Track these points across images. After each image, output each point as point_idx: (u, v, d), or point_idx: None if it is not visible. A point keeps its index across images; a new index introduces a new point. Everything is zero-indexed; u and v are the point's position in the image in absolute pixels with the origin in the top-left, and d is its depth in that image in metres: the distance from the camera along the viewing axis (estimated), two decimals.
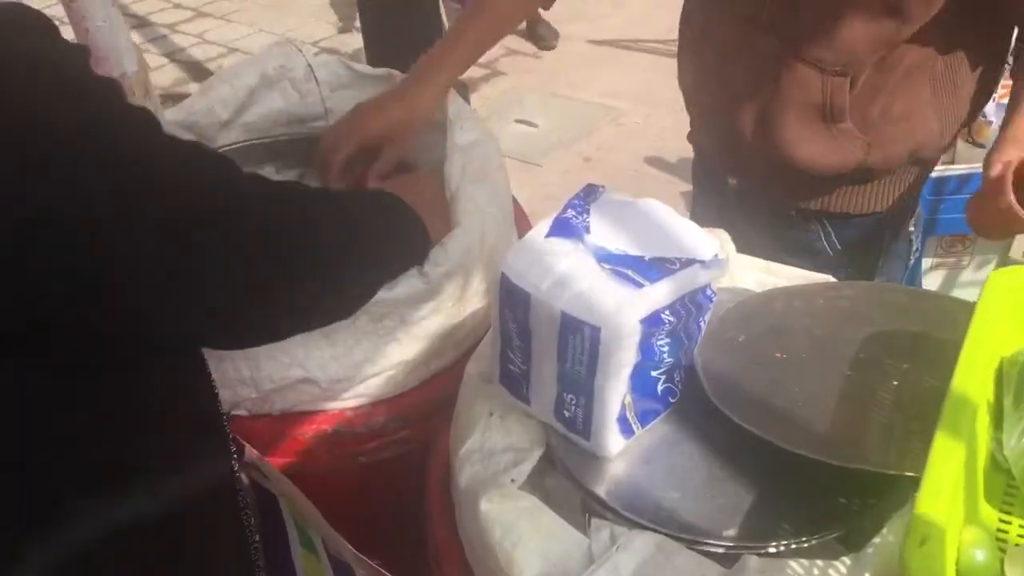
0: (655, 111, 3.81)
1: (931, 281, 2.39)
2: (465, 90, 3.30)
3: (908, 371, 0.96)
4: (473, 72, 4.37)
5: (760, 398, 0.95)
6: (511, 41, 4.42)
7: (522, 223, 1.42)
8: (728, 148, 1.38)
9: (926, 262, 2.37)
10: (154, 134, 0.69)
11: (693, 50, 1.40)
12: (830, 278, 1.16)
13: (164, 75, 4.57)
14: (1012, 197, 1.08)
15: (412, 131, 1.31)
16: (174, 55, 4.80)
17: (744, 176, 1.41)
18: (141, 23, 5.09)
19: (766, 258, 1.18)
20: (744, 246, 1.19)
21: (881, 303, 1.08)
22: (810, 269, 1.29)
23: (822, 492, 0.89)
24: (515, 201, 1.43)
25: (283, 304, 0.83)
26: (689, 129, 1.53)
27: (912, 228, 1.43)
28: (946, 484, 0.73)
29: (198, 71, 4.59)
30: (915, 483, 0.83)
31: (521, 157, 3.63)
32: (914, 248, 1.46)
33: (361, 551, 0.99)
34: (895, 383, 0.95)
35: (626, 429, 0.95)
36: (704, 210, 1.55)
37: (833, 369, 0.97)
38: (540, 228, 0.96)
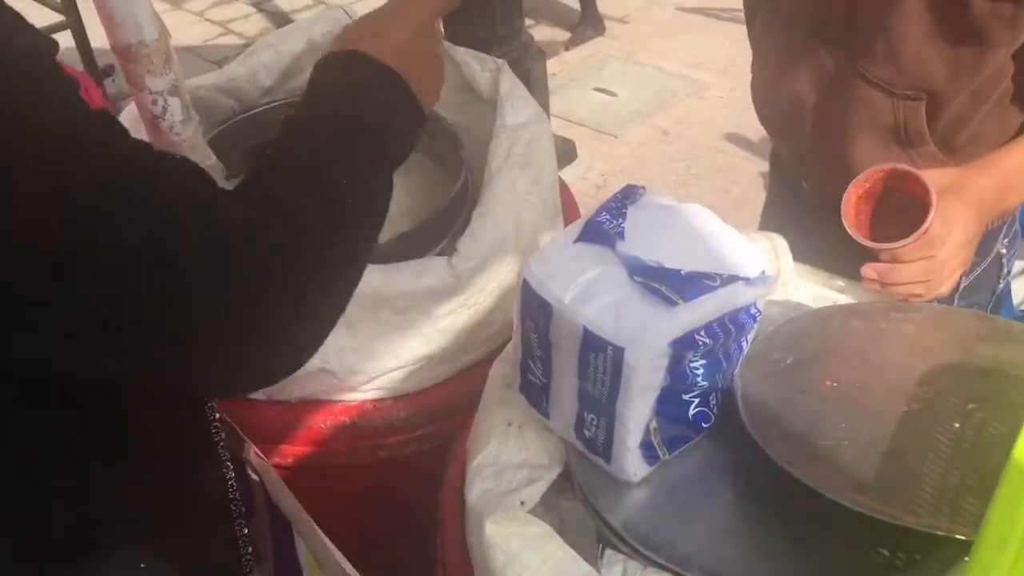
0: (740, 85, 3.63)
1: (1019, 287, 2.23)
2: (543, 55, 3.20)
3: (973, 413, 0.85)
4: (554, 35, 4.26)
5: (802, 433, 0.86)
6: (602, 5, 4.27)
7: (572, 212, 1.34)
8: (798, 155, 1.27)
9: (1018, 264, 2.21)
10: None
11: (758, 49, 1.29)
12: (896, 298, 1.05)
13: (251, 24, 4.58)
14: (850, 222, 1.01)
15: None
16: (260, 4, 4.81)
17: (818, 187, 1.28)
18: None
19: (836, 273, 1.07)
20: (815, 257, 1.08)
21: (952, 331, 0.97)
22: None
23: (862, 542, 0.80)
24: (565, 188, 1.34)
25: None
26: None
27: (1004, 251, 1.26)
28: (1003, 561, 0.64)
29: (283, 21, 4.58)
30: (966, 545, 0.75)
31: (597, 127, 3.52)
32: (1004, 271, 1.30)
33: (373, 553, 0.94)
34: (956, 426, 0.85)
35: (650, 455, 0.87)
36: (778, 207, 1.43)
37: (888, 404, 0.88)
38: (569, 232, 0.88)
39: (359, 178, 0.72)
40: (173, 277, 0.57)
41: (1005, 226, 1.24)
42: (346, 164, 0.72)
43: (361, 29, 0.82)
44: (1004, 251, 1.26)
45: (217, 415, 0.80)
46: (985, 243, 1.20)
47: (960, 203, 1.02)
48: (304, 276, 0.65)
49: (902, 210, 1.02)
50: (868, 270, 1.02)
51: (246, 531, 0.83)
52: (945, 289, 1.04)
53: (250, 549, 0.83)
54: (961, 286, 1.23)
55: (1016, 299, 2.26)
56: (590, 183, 3.26)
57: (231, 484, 0.81)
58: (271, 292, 0.62)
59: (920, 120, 1.10)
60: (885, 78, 1.09)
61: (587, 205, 1.51)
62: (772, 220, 1.43)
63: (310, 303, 0.65)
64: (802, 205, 1.33)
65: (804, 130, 1.19)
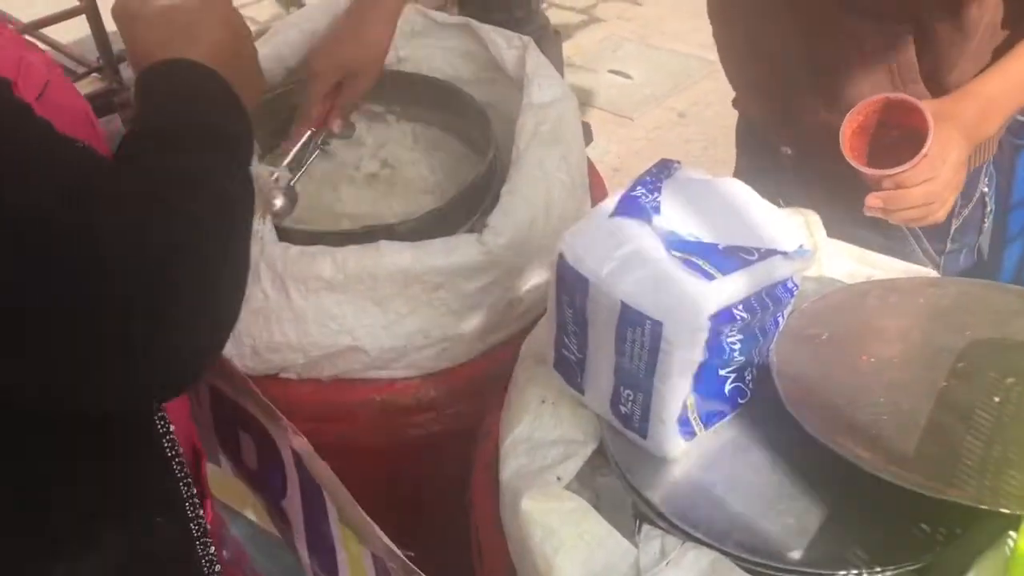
0: None
1: None
2: (558, 37, 3.18)
3: (1013, 387, 0.85)
4: (569, 18, 4.23)
5: (840, 407, 0.85)
6: None
7: (598, 191, 1.33)
8: (780, 116, 1.27)
9: None
10: None
11: (724, 18, 1.32)
12: (932, 272, 1.04)
13: (263, 9, 4.57)
14: (847, 150, 1.04)
15: (370, 67, 1.25)
16: None
17: (800, 145, 1.29)
18: None
19: (828, 233, 1.07)
20: None
21: (989, 305, 0.96)
22: (877, 239, 1.21)
23: (901, 517, 0.79)
24: (592, 168, 1.34)
25: None
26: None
27: (986, 189, 1.31)
28: None
29: (296, 6, 4.57)
30: (1010, 519, 0.74)
31: (612, 110, 3.50)
32: (988, 210, 1.34)
33: (405, 533, 0.94)
34: (996, 400, 0.84)
35: (687, 431, 0.86)
36: (756, 184, 1.43)
37: (927, 379, 0.87)
38: (605, 206, 0.87)
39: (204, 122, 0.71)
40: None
41: (985, 166, 1.28)
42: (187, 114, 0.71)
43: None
44: (986, 190, 1.31)
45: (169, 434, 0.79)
46: (969, 184, 1.23)
47: (949, 127, 1.06)
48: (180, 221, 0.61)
49: (892, 145, 1.06)
50: (873, 199, 1.05)
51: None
52: (943, 213, 1.08)
53: (211, 549, 0.82)
54: (952, 228, 1.26)
55: None
56: (607, 165, 3.25)
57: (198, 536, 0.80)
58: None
59: (909, 52, 1.12)
60: (871, 7, 1.10)
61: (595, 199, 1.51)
62: None
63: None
64: (784, 176, 1.33)
65: (790, 86, 1.20)
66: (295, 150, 1.22)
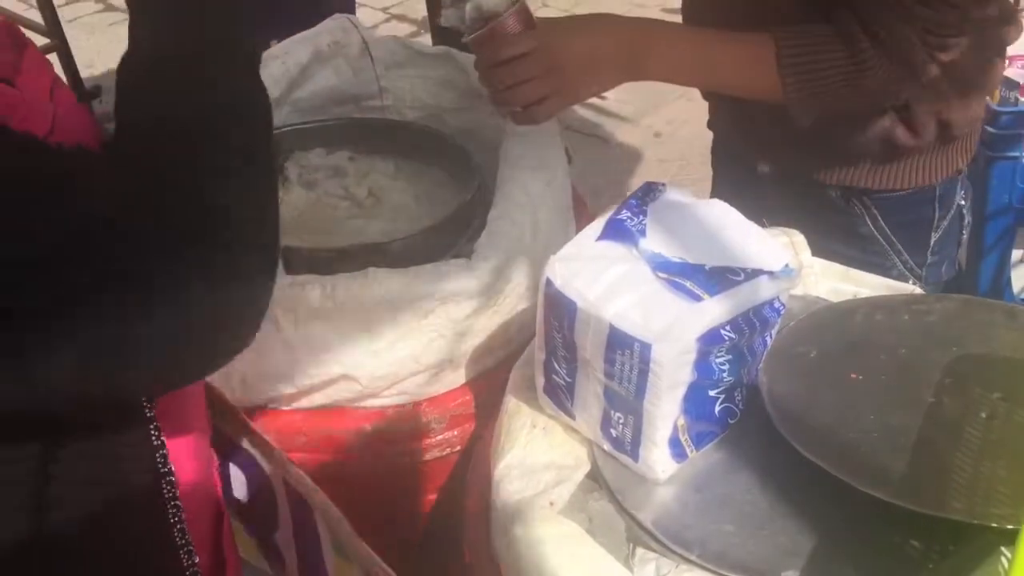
0: None
1: (1021, 274, 2.24)
2: None
3: (999, 403, 0.86)
4: None
5: (830, 425, 0.86)
6: (587, 10, 4.29)
7: (582, 215, 1.34)
8: (751, 130, 1.28)
9: (1016, 254, 2.22)
10: None
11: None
12: (916, 288, 1.05)
13: None
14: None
15: None
16: None
17: (775, 159, 1.30)
18: None
19: (811, 249, 1.08)
20: None
21: (974, 321, 0.97)
22: (857, 255, 1.24)
23: (894, 535, 0.80)
24: (574, 190, 1.34)
25: None
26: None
27: (963, 201, 1.31)
28: None
29: None
30: (1002, 534, 0.75)
31: (589, 131, 3.53)
32: (966, 222, 1.35)
33: (399, 560, 0.93)
34: (984, 416, 0.85)
35: (678, 452, 0.87)
36: (735, 204, 1.44)
37: (915, 396, 0.88)
38: (591, 230, 0.88)
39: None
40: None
41: (960, 178, 1.29)
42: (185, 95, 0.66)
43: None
44: (963, 202, 1.31)
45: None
46: (946, 196, 1.27)
47: (602, 23, 1.09)
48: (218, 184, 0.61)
49: None
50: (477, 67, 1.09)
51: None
52: (549, 108, 1.10)
53: (196, 560, 0.81)
54: (932, 241, 1.28)
55: (1016, 287, 2.27)
56: (585, 186, 3.26)
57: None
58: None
59: None
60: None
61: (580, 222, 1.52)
62: None
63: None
64: (763, 193, 1.34)
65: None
66: None
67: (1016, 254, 2.19)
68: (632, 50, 1.10)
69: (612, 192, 3.26)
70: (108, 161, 0.63)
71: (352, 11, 2.89)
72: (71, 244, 0.54)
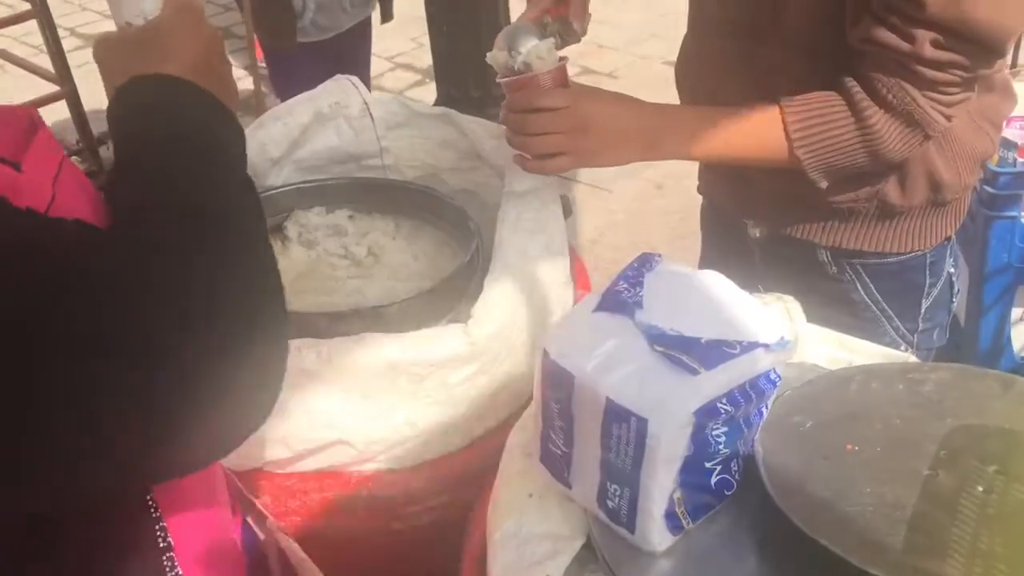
0: None
1: (1020, 332, 2.25)
2: None
3: (996, 477, 0.85)
4: None
5: (826, 499, 0.85)
6: (588, 61, 4.34)
7: (578, 274, 1.35)
8: (744, 189, 1.29)
9: (1016, 312, 2.23)
10: None
11: (686, 95, 1.35)
12: (911, 357, 1.05)
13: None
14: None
15: None
16: None
17: (766, 219, 1.31)
18: None
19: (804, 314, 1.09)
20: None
21: (969, 391, 0.97)
22: (849, 320, 1.24)
23: None
24: (572, 250, 1.35)
25: None
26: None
27: (952, 270, 1.32)
28: None
29: None
30: None
31: (590, 182, 3.55)
32: (955, 290, 1.35)
33: None
34: (980, 490, 0.85)
35: (675, 525, 0.86)
36: (724, 270, 1.43)
37: (911, 468, 0.87)
38: (587, 302, 0.88)
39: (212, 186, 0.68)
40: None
41: (950, 246, 1.31)
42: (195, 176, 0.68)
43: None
44: (952, 271, 1.33)
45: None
46: (937, 264, 1.28)
47: (630, 101, 1.13)
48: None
49: None
50: (504, 111, 1.13)
51: None
52: (560, 163, 1.12)
53: None
54: (923, 308, 1.29)
55: (1016, 346, 2.27)
56: (586, 238, 3.28)
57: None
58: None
59: None
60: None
61: (584, 260, 1.53)
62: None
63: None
64: (753, 260, 1.36)
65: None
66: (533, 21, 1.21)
67: (1016, 312, 2.20)
68: (652, 132, 1.14)
69: (613, 244, 3.28)
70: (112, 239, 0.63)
71: (368, 65, 2.95)
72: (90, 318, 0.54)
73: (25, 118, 0.70)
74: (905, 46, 1.01)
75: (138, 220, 0.62)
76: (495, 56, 1.14)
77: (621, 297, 0.88)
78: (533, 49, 1.11)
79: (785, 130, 1.08)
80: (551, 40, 1.13)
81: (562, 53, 1.15)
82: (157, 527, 0.72)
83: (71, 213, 0.62)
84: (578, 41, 1.25)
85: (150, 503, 0.71)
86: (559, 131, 1.10)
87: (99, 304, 0.55)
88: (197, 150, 0.69)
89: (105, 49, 0.79)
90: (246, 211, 0.68)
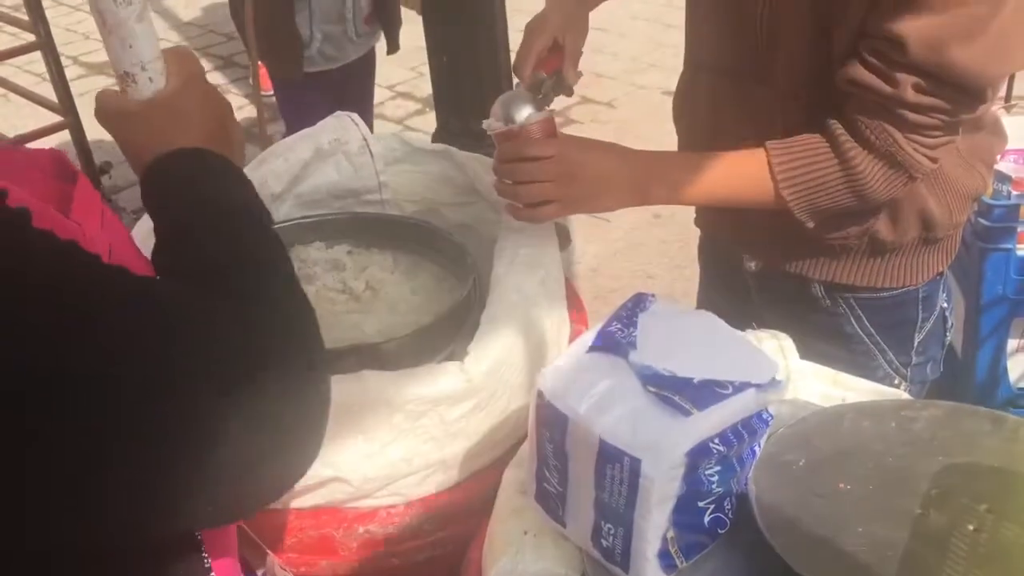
0: None
1: (1016, 364, 2.25)
2: None
3: (987, 515, 0.86)
4: None
5: (819, 537, 0.86)
6: (587, 90, 4.38)
7: (575, 307, 1.36)
8: (739, 223, 1.30)
9: (1011, 344, 2.24)
10: None
11: (683, 129, 1.37)
12: (903, 394, 1.06)
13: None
14: None
15: (576, 25, 1.27)
16: None
17: (761, 254, 1.33)
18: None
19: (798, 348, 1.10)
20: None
21: (961, 429, 0.98)
22: (843, 354, 1.27)
23: None
24: (569, 284, 1.37)
25: None
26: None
27: (945, 304, 1.34)
28: None
29: None
30: None
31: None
32: (949, 324, 1.37)
33: None
34: (971, 528, 0.85)
35: (668, 564, 0.87)
36: (721, 302, 1.45)
37: (903, 507, 0.88)
38: (582, 342, 0.89)
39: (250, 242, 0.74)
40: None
41: (942, 281, 1.32)
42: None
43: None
44: (945, 305, 1.34)
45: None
46: (929, 299, 1.30)
47: (621, 150, 1.15)
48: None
49: None
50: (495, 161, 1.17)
51: None
52: (548, 212, 1.15)
53: None
54: (916, 342, 1.30)
55: (1013, 377, 2.28)
56: (585, 267, 3.30)
57: None
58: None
59: None
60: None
61: (583, 288, 1.54)
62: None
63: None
64: (748, 293, 1.37)
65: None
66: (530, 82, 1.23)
67: (1012, 344, 2.21)
68: (640, 180, 1.16)
69: (612, 272, 3.30)
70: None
71: (372, 95, 2.97)
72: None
73: (57, 162, 0.72)
74: (887, 89, 1.03)
75: (205, 279, 0.67)
76: (491, 125, 1.17)
77: (615, 337, 0.89)
78: (528, 119, 1.15)
79: (771, 172, 1.10)
80: (548, 112, 1.17)
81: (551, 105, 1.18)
82: (206, 564, 0.73)
83: (122, 261, 0.63)
84: (570, 94, 1.28)
85: (199, 539, 0.72)
86: (547, 179, 1.12)
87: (188, 343, 0.58)
88: (237, 213, 0.75)
89: (117, 119, 0.81)
90: (286, 261, 0.74)
